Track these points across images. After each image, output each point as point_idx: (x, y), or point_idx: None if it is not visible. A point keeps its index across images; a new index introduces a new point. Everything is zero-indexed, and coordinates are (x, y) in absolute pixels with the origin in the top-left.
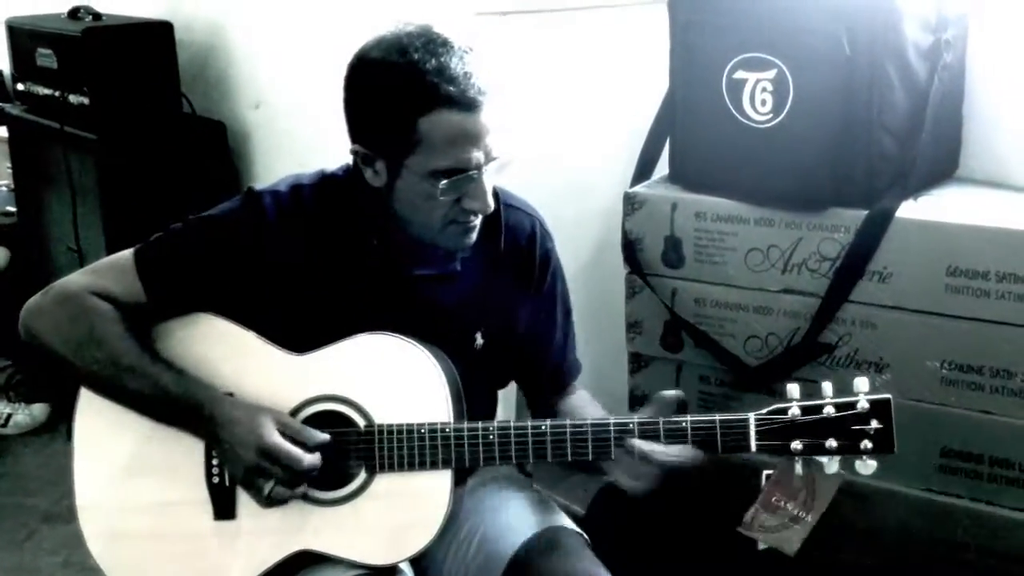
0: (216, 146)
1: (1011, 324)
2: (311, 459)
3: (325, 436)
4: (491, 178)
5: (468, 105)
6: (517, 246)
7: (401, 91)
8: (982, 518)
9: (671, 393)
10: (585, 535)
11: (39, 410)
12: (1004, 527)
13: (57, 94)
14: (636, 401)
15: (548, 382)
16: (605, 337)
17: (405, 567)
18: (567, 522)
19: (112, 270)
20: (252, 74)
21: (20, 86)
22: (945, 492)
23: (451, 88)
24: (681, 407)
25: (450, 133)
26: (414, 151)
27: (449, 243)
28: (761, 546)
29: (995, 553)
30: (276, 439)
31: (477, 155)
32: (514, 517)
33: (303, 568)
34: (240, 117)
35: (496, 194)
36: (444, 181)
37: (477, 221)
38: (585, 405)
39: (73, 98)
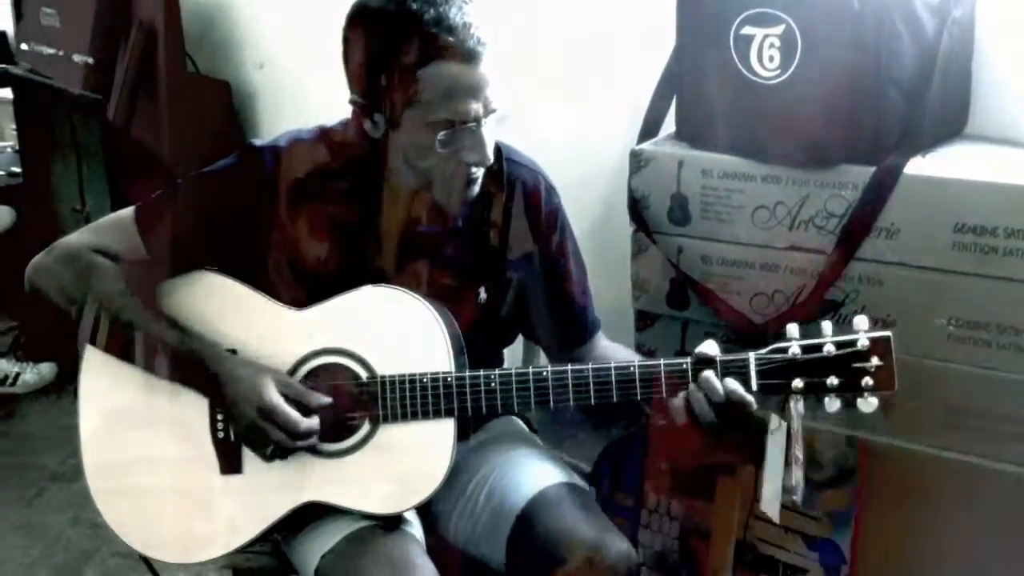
0: (221, 106)
1: (1018, 280)
2: (308, 423)
3: (327, 399)
4: (491, 131)
5: (467, 56)
6: (521, 201)
7: (399, 41)
8: (988, 474)
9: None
10: (592, 489)
11: (47, 369)
12: (1012, 483)
13: (61, 54)
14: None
15: (569, 336)
16: (611, 295)
17: (413, 519)
18: (574, 477)
19: (114, 228)
20: (257, 34)
21: (24, 46)
22: (951, 448)
23: (450, 39)
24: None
25: (449, 84)
26: (412, 103)
27: (449, 196)
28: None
29: (1002, 508)
30: (276, 400)
31: (476, 107)
32: (521, 472)
33: (310, 519)
34: (245, 77)
35: (499, 149)
36: (442, 133)
37: (479, 173)
38: (616, 350)
39: (77, 57)
